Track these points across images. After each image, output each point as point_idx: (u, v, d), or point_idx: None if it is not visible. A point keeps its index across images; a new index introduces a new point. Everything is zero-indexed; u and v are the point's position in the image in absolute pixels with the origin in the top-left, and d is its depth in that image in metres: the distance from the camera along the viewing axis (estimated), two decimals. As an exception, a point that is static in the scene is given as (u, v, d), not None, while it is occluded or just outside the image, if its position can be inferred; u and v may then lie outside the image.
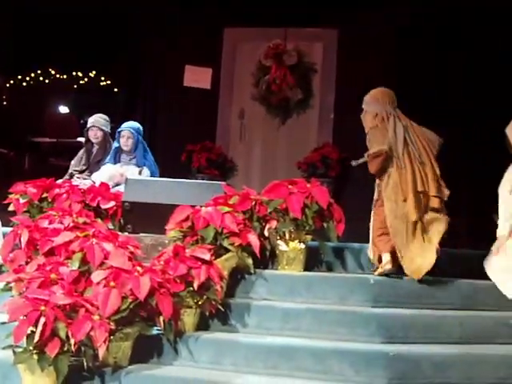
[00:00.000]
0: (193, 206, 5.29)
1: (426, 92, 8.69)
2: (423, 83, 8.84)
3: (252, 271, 5.21)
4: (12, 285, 4.77)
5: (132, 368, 4.57)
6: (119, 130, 7.24)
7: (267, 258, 5.44)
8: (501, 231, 5.42)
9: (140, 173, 7.08)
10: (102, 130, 7.46)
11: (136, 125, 7.30)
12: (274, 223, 5.33)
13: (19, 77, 11.39)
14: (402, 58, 9.35)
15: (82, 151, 7.60)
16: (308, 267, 5.45)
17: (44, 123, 11.45)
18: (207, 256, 4.82)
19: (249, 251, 5.17)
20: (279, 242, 5.36)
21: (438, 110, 7.89)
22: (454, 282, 5.43)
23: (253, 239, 5.15)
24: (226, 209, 5.20)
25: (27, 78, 11.45)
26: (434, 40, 9.16)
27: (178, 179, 6.46)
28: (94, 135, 7.47)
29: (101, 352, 4.30)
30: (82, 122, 11.08)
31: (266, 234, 5.35)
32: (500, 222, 5.43)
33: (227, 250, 5.13)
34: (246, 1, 9.79)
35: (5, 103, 11.26)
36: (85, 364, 4.35)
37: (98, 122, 7.51)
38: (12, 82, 11.39)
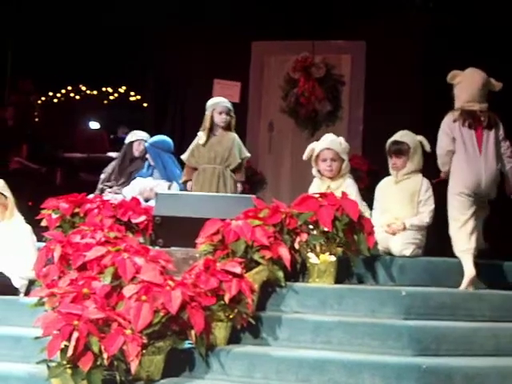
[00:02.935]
0: (223, 220, 5.30)
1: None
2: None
3: (283, 284, 5.20)
4: (45, 300, 4.80)
5: (164, 382, 4.57)
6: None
7: (298, 271, 5.42)
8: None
9: (169, 187, 7.13)
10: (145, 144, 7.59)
11: (154, 138, 7.38)
12: (304, 236, 5.32)
13: (50, 93, 11.52)
14: (429, 69, 9.34)
15: (112, 165, 7.66)
16: (339, 280, 5.43)
17: (75, 139, 11.56)
18: (238, 269, 4.82)
19: (279, 264, 5.16)
20: (310, 254, 5.35)
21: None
22: (486, 293, 5.40)
23: (283, 252, 5.14)
24: (257, 222, 5.20)
25: (58, 95, 11.58)
26: (464, 51, 9.13)
27: (208, 193, 6.49)
28: (142, 150, 7.58)
29: (133, 366, 4.31)
30: (112, 137, 11.18)
31: (297, 246, 5.33)
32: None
33: (258, 264, 5.13)
34: (274, 14, 9.83)
35: (37, 120, 11.38)
36: (117, 378, 4.36)
37: (144, 136, 7.63)
38: (44, 98, 11.52)
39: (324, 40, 9.83)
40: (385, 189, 6.07)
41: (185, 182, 7.05)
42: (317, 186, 6.21)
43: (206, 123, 7.01)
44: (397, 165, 5.99)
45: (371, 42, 9.83)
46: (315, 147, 6.23)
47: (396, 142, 6.03)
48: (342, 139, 6.26)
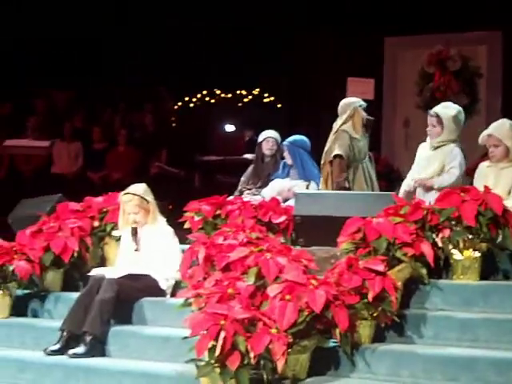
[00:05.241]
0: (363, 218, 5.28)
1: None
2: None
3: (426, 281, 5.13)
4: (191, 300, 4.92)
5: (310, 381, 4.60)
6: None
7: (441, 268, 5.34)
8: None
9: (307, 187, 7.14)
10: (277, 142, 7.61)
11: (293, 137, 7.39)
12: (447, 232, 5.23)
13: (186, 98, 11.79)
14: None
15: (251, 168, 7.75)
16: (484, 276, 5.31)
17: (211, 142, 11.78)
18: (381, 267, 4.80)
19: (422, 261, 5.09)
20: (453, 250, 5.25)
21: None
22: None
23: (426, 249, 5.08)
24: (398, 219, 5.16)
25: (194, 100, 11.83)
26: None
27: (347, 191, 6.47)
28: (271, 147, 7.60)
29: (280, 365, 4.35)
30: (247, 139, 11.32)
31: (439, 243, 5.25)
32: None
33: (400, 261, 5.08)
34: (405, 9, 9.73)
35: (174, 125, 11.66)
36: (264, 377, 4.41)
37: (274, 134, 7.66)
38: (180, 104, 11.80)
39: (458, 32, 9.65)
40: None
41: (340, 180, 6.72)
42: (486, 164, 6.16)
43: (358, 121, 6.88)
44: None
45: (508, 30, 9.58)
46: (484, 132, 6.19)
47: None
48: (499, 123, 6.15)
